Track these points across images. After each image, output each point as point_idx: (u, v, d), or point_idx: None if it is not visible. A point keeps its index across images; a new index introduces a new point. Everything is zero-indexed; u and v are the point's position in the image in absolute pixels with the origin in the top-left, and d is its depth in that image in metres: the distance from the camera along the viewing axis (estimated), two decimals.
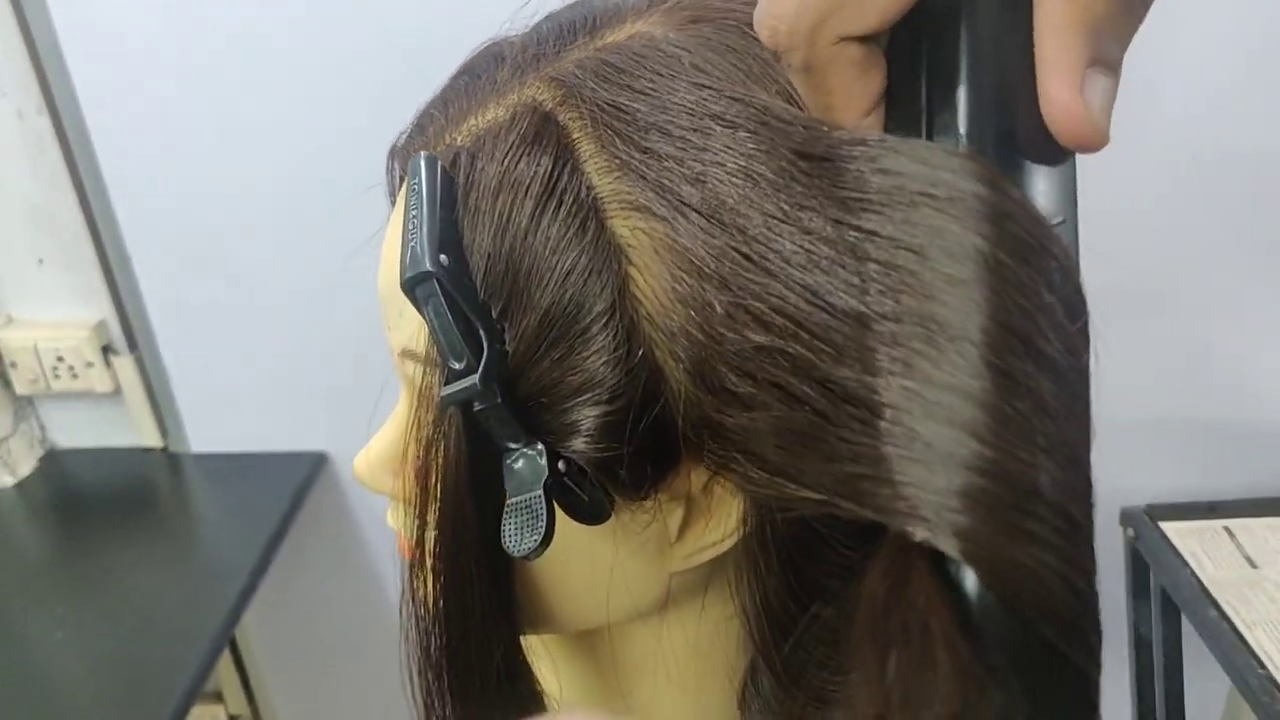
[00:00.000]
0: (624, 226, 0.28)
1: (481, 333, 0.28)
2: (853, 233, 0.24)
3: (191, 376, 1.13)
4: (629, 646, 0.39)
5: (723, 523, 0.32)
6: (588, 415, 0.28)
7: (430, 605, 0.34)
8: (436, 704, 0.36)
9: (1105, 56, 0.24)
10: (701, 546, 0.33)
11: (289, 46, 0.96)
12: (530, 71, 0.33)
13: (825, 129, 0.26)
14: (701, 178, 0.27)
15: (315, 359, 1.11)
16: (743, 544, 0.33)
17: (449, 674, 0.35)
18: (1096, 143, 0.24)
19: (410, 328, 0.32)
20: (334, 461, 1.17)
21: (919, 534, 0.22)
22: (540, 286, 0.28)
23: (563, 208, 0.29)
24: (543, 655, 0.41)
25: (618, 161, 0.29)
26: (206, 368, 1.13)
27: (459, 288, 0.28)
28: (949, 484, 0.21)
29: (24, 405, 1.14)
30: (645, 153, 0.28)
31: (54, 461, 1.17)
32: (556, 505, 0.30)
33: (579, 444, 0.29)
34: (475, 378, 0.28)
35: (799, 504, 0.25)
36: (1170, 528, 1.06)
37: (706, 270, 0.26)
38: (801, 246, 0.25)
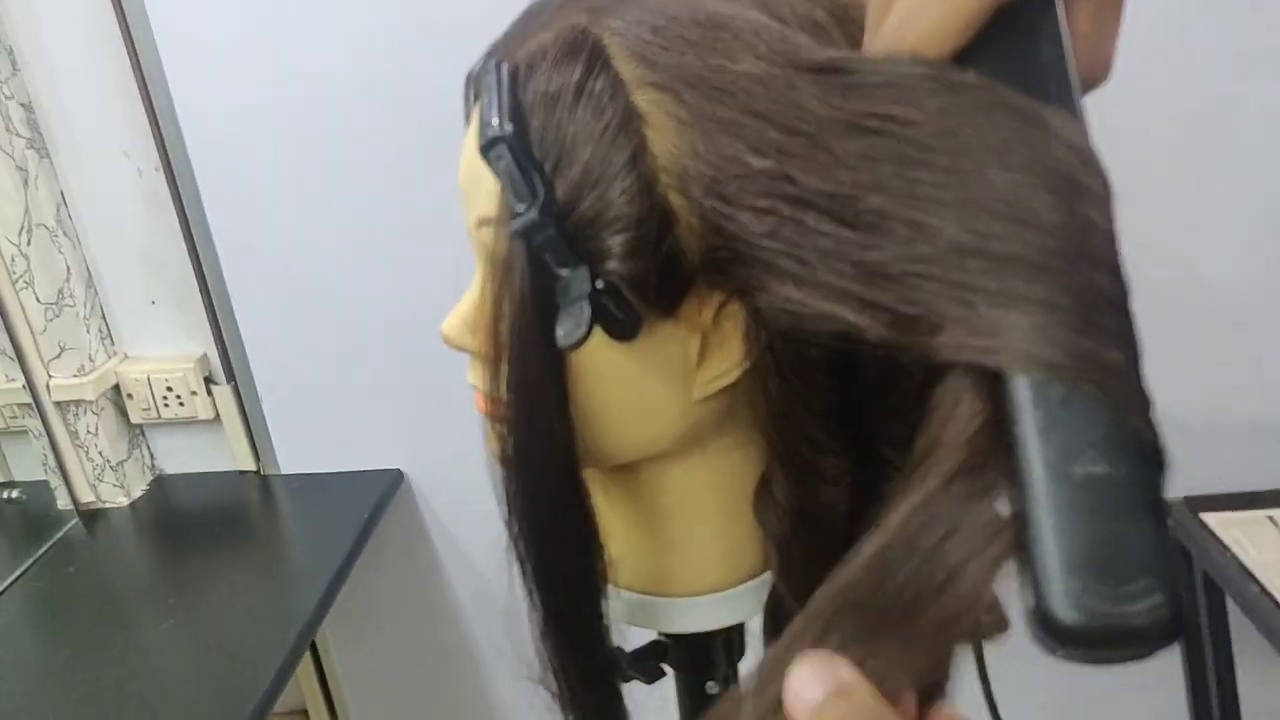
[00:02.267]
0: (642, 100, 0.38)
1: (538, 182, 0.38)
2: (850, 101, 0.32)
3: (282, 404, 1.26)
4: (663, 488, 0.47)
5: (731, 353, 0.41)
6: (617, 240, 0.38)
7: (506, 453, 0.43)
8: (520, 547, 0.45)
9: None
10: (717, 374, 0.41)
11: (374, 101, 1.10)
12: (570, 6, 0.43)
13: (823, 44, 0.35)
14: (708, 62, 0.37)
15: (393, 386, 1.23)
16: (750, 375, 0.41)
17: (524, 513, 0.44)
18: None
19: (484, 198, 0.41)
20: (409, 478, 1.27)
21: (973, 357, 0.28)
22: (580, 147, 0.38)
23: (595, 91, 0.39)
24: (595, 502, 0.49)
25: (637, 55, 0.38)
26: (295, 395, 1.25)
27: (522, 149, 0.38)
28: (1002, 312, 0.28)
29: (136, 433, 1.27)
30: (659, 48, 0.38)
31: (161, 485, 1.29)
32: (599, 322, 0.39)
33: (612, 264, 0.38)
34: (534, 210, 0.38)
35: (805, 319, 0.33)
36: (1211, 518, 1.09)
37: (706, 127, 0.36)
38: (797, 110, 0.33)
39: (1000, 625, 0.52)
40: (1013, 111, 0.31)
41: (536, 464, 0.42)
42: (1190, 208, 1.08)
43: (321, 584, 1.07)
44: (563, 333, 0.39)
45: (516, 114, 0.39)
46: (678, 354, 0.41)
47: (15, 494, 1.25)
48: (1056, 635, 0.25)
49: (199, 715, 0.92)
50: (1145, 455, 0.27)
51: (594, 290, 0.38)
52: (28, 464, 1.23)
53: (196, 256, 1.18)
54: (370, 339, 1.21)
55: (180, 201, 1.16)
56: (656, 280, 0.39)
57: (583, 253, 0.39)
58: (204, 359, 1.23)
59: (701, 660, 0.54)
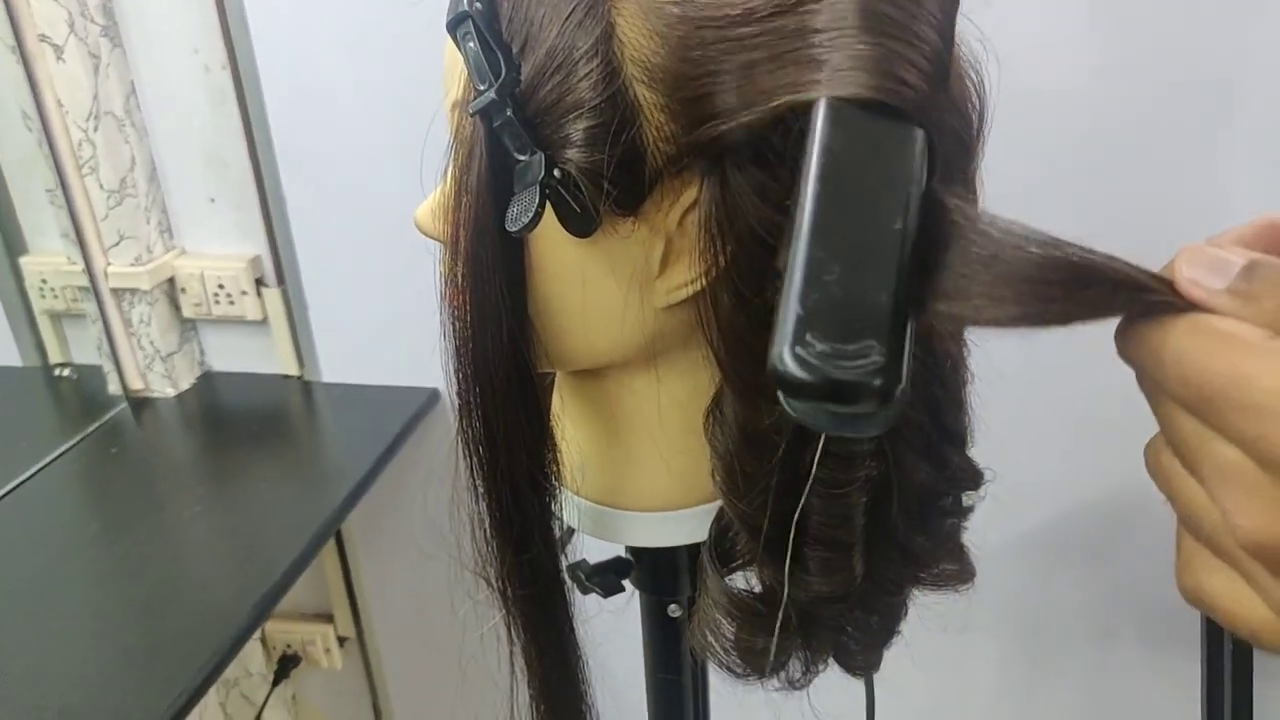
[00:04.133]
0: None
1: (501, 62, 0.37)
2: None
3: (329, 312, 1.27)
4: (625, 400, 0.46)
5: (694, 264, 0.40)
6: (577, 128, 0.37)
7: (457, 340, 0.43)
8: (468, 434, 0.45)
9: None
10: (680, 283, 0.40)
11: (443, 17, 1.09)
12: None
13: None
14: None
15: (437, 308, 1.24)
16: (709, 289, 0.40)
17: (471, 403, 0.44)
18: None
19: (457, 83, 0.41)
20: (445, 398, 1.28)
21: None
22: (546, 29, 0.37)
23: None
24: (559, 413, 0.49)
25: None
26: (342, 306, 1.27)
27: (489, 29, 0.37)
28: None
29: (188, 327, 1.30)
30: None
31: (208, 380, 1.33)
32: (555, 215, 0.38)
33: (571, 153, 0.37)
34: (493, 90, 0.37)
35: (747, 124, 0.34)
36: None
37: (681, 13, 0.35)
38: None
39: (966, 575, 0.50)
40: None
41: (486, 353, 0.42)
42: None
43: (345, 487, 1.09)
44: (510, 217, 0.38)
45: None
46: (639, 258, 0.40)
47: (69, 373, 1.29)
48: (781, 385, 0.27)
49: (214, 595, 0.95)
50: (903, 230, 0.28)
51: (548, 177, 0.37)
52: (84, 347, 1.28)
53: (256, 159, 1.20)
54: (421, 259, 1.20)
55: (244, 102, 1.17)
56: (616, 174, 0.37)
57: (542, 139, 0.38)
58: (256, 260, 1.25)
59: (664, 581, 0.54)
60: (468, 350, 0.42)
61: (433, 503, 1.37)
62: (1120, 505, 1.14)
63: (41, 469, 1.14)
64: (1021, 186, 1.02)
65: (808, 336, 0.26)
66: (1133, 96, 0.96)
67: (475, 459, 0.44)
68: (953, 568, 0.50)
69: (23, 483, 1.12)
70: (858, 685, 0.54)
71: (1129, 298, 0.27)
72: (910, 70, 0.31)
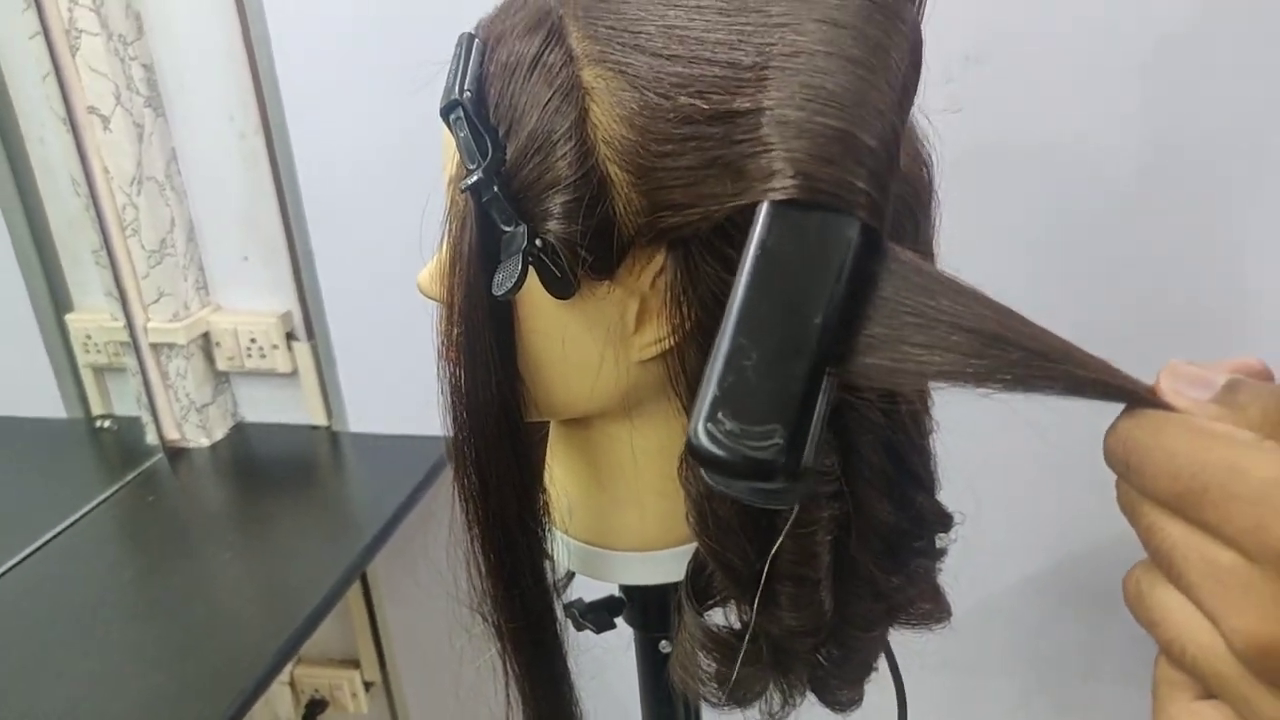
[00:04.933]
0: (589, 75, 0.41)
1: (489, 144, 0.41)
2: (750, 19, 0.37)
3: (356, 365, 1.33)
4: (610, 446, 0.50)
5: (670, 320, 0.43)
6: (556, 202, 0.41)
7: (451, 394, 0.47)
8: (462, 484, 0.48)
9: None
10: (654, 339, 0.44)
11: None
12: None
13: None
14: (641, 46, 0.40)
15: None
16: (677, 347, 0.44)
17: (465, 452, 0.48)
18: None
19: (450, 161, 0.45)
20: None
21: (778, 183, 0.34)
22: (527, 114, 0.41)
23: (549, 63, 0.42)
24: (550, 461, 0.52)
25: (589, 35, 0.41)
26: (369, 359, 1.32)
27: (477, 115, 0.42)
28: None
29: (222, 380, 1.36)
30: (608, 29, 0.41)
31: (240, 431, 1.38)
32: (539, 279, 0.42)
33: (551, 224, 0.41)
34: (480, 171, 0.41)
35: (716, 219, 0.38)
36: None
37: (644, 104, 0.39)
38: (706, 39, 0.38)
39: (941, 614, 0.53)
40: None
41: (478, 403, 0.46)
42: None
43: (370, 533, 1.14)
44: (496, 282, 0.42)
45: (478, 82, 0.43)
46: (616, 316, 0.44)
47: (110, 424, 1.35)
48: (697, 459, 0.30)
49: (244, 634, 0.99)
50: (821, 324, 0.31)
51: (530, 246, 0.41)
52: (124, 399, 1.34)
53: (287, 218, 1.26)
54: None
55: (276, 165, 1.24)
56: (591, 242, 0.41)
57: (525, 212, 0.42)
58: (287, 315, 1.31)
59: (653, 618, 0.57)
60: (462, 401, 0.46)
61: (453, 549, 1.41)
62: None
63: (83, 516, 1.19)
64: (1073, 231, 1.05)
65: (719, 415, 0.30)
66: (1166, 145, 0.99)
67: (469, 502, 0.48)
68: (928, 606, 0.53)
69: (66, 529, 1.17)
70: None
71: (1080, 380, 0.29)
72: (849, 164, 0.33)
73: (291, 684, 1.50)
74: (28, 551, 1.12)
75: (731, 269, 0.40)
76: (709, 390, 0.30)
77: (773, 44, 0.36)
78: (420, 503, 1.22)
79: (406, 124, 1.17)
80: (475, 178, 0.41)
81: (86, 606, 1.04)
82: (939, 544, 0.54)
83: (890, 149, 0.35)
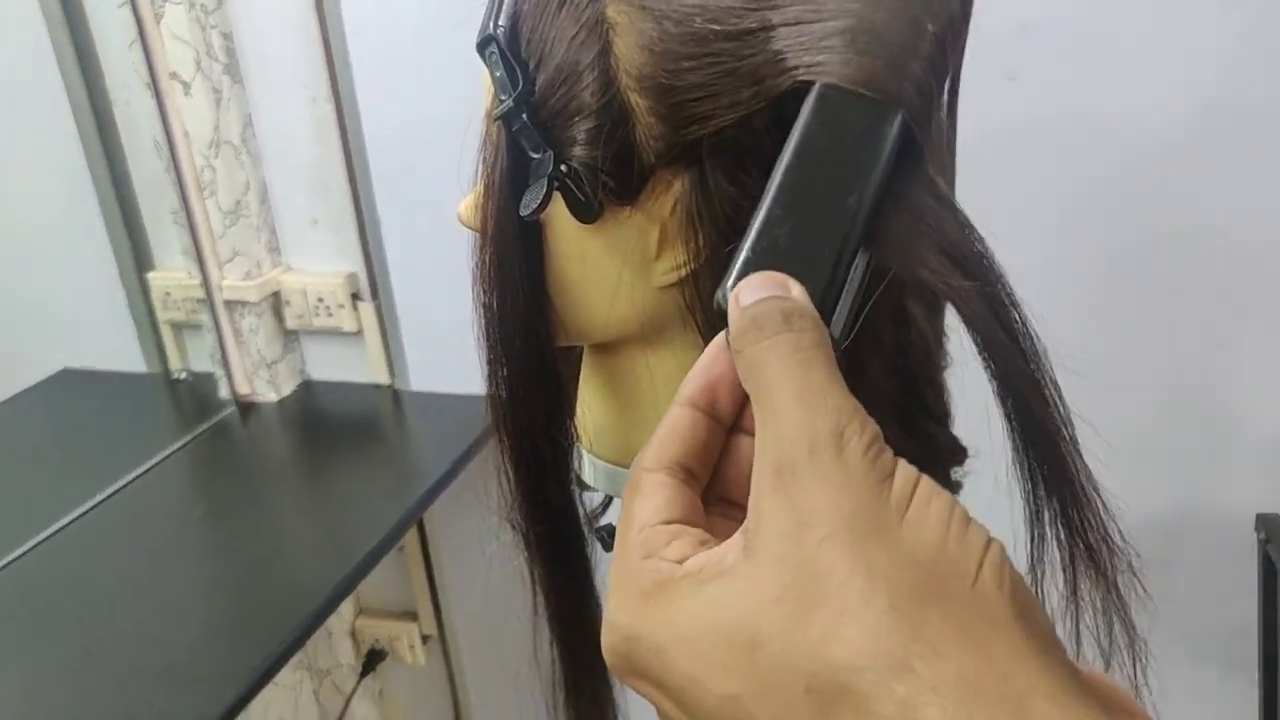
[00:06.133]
0: (612, 10, 0.44)
1: (520, 76, 0.44)
2: None
3: (417, 326, 1.37)
4: (634, 371, 0.52)
5: (686, 249, 0.46)
6: (581, 129, 0.44)
7: (484, 315, 0.50)
8: (495, 401, 0.52)
9: None
10: (674, 265, 0.46)
11: None
12: None
13: None
14: None
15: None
16: (694, 273, 0.46)
17: (497, 370, 0.51)
18: None
19: (486, 95, 0.48)
20: None
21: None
22: (555, 47, 0.44)
23: (576, 2, 0.44)
24: (582, 377, 0.55)
25: None
26: (430, 320, 1.37)
27: (510, 49, 0.45)
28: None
29: (291, 338, 1.42)
30: None
31: (308, 388, 1.44)
32: (564, 204, 0.45)
33: (576, 150, 0.44)
34: (511, 100, 0.44)
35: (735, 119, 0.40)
36: None
37: (663, 33, 0.42)
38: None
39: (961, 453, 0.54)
40: None
41: (508, 324, 0.49)
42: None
43: (426, 483, 1.18)
44: (523, 204, 0.45)
45: (512, 19, 0.45)
46: (638, 241, 0.46)
47: (186, 377, 1.42)
48: (722, 321, 0.32)
49: (302, 573, 1.05)
50: (856, 204, 0.33)
51: (555, 170, 0.44)
52: (200, 355, 1.40)
53: (354, 184, 1.31)
54: None
55: (345, 133, 1.29)
56: (613, 167, 0.44)
57: (552, 139, 0.45)
58: (353, 276, 1.36)
59: None
60: (494, 322, 0.49)
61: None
62: (1168, 520, 1.14)
63: (159, 462, 1.26)
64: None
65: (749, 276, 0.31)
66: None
67: (499, 414, 0.51)
68: (944, 441, 0.54)
69: (143, 474, 1.24)
70: None
71: None
72: (900, 62, 0.36)
73: (352, 634, 1.56)
74: (109, 492, 1.19)
75: (746, 193, 0.42)
76: (741, 253, 0.32)
77: None
78: (476, 458, 1.27)
79: (472, 94, 1.21)
80: (506, 107, 0.44)
81: (161, 543, 1.10)
82: (954, 477, 0.55)
83: (935, 59, 0.37)
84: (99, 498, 1.18)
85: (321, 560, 1.07)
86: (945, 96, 0.47)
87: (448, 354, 1.38)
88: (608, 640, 0.32)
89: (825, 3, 0.39)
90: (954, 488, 0.56)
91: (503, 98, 0.45)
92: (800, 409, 0.31)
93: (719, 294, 0.32)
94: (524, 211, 0.45)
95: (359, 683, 1.54)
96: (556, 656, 0.57)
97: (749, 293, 0.33)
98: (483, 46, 0.46)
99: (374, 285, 1.36)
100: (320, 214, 1.35)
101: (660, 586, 0.30)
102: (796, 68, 0.38)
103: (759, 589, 0.28)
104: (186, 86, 1.24)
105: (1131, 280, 1.06)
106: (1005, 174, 1.02)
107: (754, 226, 0.33)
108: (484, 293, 0.49)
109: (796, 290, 0.33)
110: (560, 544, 0.54)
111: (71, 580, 1.05)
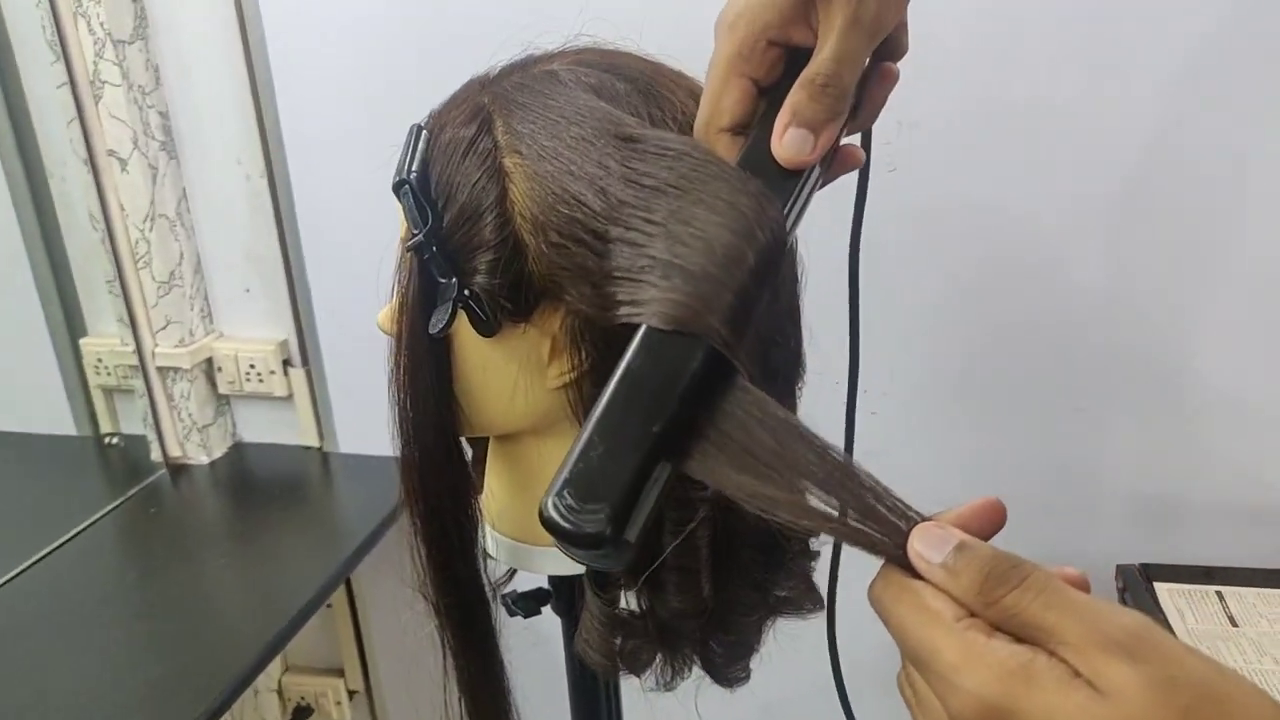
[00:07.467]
0: (509, 161, 0.51)
1: (429, 214, 0.52)
2: (635, 164, 0.47)
3: (346, 391, 1.43)
4: (531, 458, 0.60)
5: (571, 359, 0.53)
6: (483, 260, 0.51)
7: (397, 415, 0.57)
8: (407, 489, 0.59)
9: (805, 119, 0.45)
10: (562, 371, 0.54)
11: None
12: (486, 89, 0.57)
13: (640, 125, 0.49)
14: (555, 137, 0.50)
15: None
16: (577, 379, 0.54)
17: (409, 463, 0.58)
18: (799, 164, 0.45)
19: (401, 225, 0.56)
20: None
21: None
22: (460, 190, 0.52)
23: (479, 149, 0.52)
24: (488, 470, 0.62)
25: (511, 129, 0.52)
26: (358, 385, 1.42)
27: (421, 189, 0.52)
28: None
29: (223, 402, 1.46)
30: (527, 124, 0.51)
31: (238, 450, 1.48)
32: (466, 319, 0.52)
33: (478, 278, 0.51)
34: (422, 233, 0.51)
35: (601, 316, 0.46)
36: (1163, 587, 1.14)
37: (548, 186, 0.49)
38: (601, 169, 0.47)
39: (814, 603, 0.63)
40: (728, 180, 0.43)
41: (421, 421, 0.56)
42: (1188, 298, 1.13)
43: (354, 543, 1.23)
44: (432, 322, 0.52)
45: (424, 163, 0.53)
46: (532, 352, 0.54)
47: (117, 441, 1.46)
48: (544, 526, 0.37)
49: (236, 631, 1.09)
50: (658, 432, 0.38)
51: (460, 295, 0.52)
52: (131, 419, 1.44)
53: (286, 255, 1.37)
54: None
55: (278, 206, 1.35)
56: (509, 292, 0.52)
57: (457, 267, 0.52)
58: (284, 344, 1.41)
59: (575, 608, 0.66)
60: (408, 419, 0.57)
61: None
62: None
63: (91, 524, 1.30)
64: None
65: (564, 492, 0.37)
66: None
67: (412, 502, 0.58)
68: (800, 596, 0.63)
69: (74, 537, 1.27)
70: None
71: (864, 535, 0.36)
72: (709, 302, 0.40)
73: (279, 691, 1.59)
74: (39, 556, 1.22)
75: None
76: (562, 472, 0.37)
77: (659, 189, 0.45)
78: (403, 518, 1.32)
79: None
80: (417, 240, 0.52)
81: (92, 605, 1.14)
82: (813, 547, 0.63)
83: (748, 294, 0.42)
84: (30, 561, 1.21)
85: (251, 619, 1.12)
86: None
87: (376, 417, 1.42)
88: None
89: (655, 214, 0.44)
90: (811, 555, 0.64)
91: (415, 231, 0.52)
92: None
93: (542, 503, 0.37)
94: (433, 329, 0.52)
95: None
96: (465, 713, 0.64)
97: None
98: (398, 188, 0.53)
99: (304, 352, 1.41)
100: (253, 283, 1.40)
101: (1025, 669, 0.32)
102: (621, 305, 0.44)
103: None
104: (124, 164, 1.29)
105: (1004, 349, 1.17)
106: (894, 255, 1.12)
107: (575, 447, 0.38)
108: (399, 393, 0.57)
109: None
110: (468, 612, 0.61)
111: (2, 643, 1.08)
